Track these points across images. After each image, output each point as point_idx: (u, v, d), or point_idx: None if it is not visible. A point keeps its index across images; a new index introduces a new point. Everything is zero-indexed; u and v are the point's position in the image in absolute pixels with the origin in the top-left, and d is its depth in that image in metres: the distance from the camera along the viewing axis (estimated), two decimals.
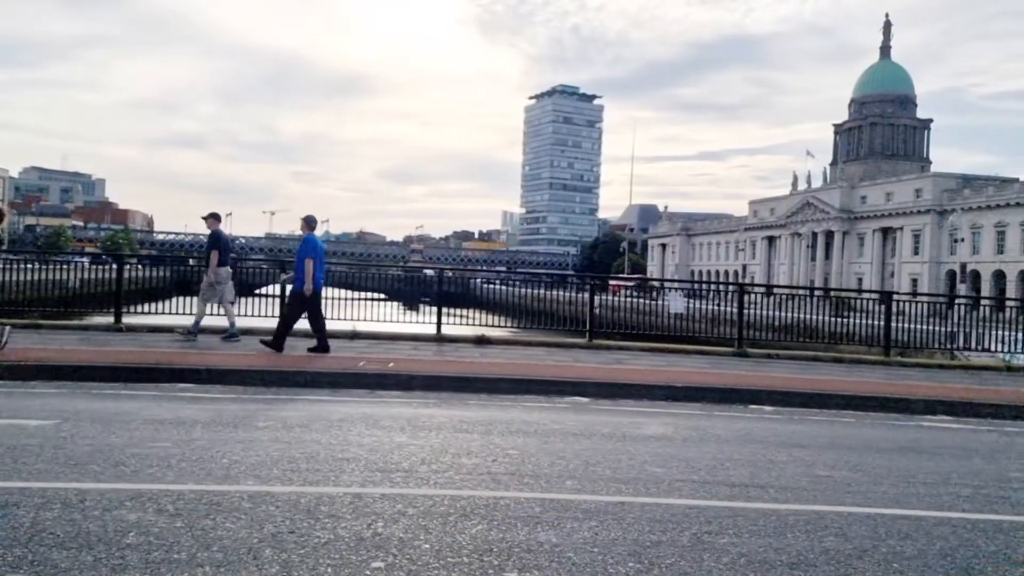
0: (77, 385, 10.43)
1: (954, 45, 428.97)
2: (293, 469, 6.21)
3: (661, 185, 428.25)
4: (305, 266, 13.61)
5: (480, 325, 18.27)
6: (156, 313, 18.25)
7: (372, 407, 9.69)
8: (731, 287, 18.29)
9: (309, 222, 14.47)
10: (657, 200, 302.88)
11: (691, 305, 17.78)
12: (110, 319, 16.06)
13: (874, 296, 23.65)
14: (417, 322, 17.80)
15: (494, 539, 4.66)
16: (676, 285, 22.14)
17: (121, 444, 6.85)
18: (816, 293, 20.89)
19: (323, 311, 14.44)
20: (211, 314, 15.32)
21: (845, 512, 5.64)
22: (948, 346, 20.12)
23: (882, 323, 17.53)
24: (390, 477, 6.11)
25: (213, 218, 15.09)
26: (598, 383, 11.76)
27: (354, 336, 16.22)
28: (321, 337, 13.91)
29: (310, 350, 13.68)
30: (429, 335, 16.79)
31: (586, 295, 17.54)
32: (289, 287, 14.60)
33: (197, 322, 14.86)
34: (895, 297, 17.98)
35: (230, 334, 14.84)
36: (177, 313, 17.00)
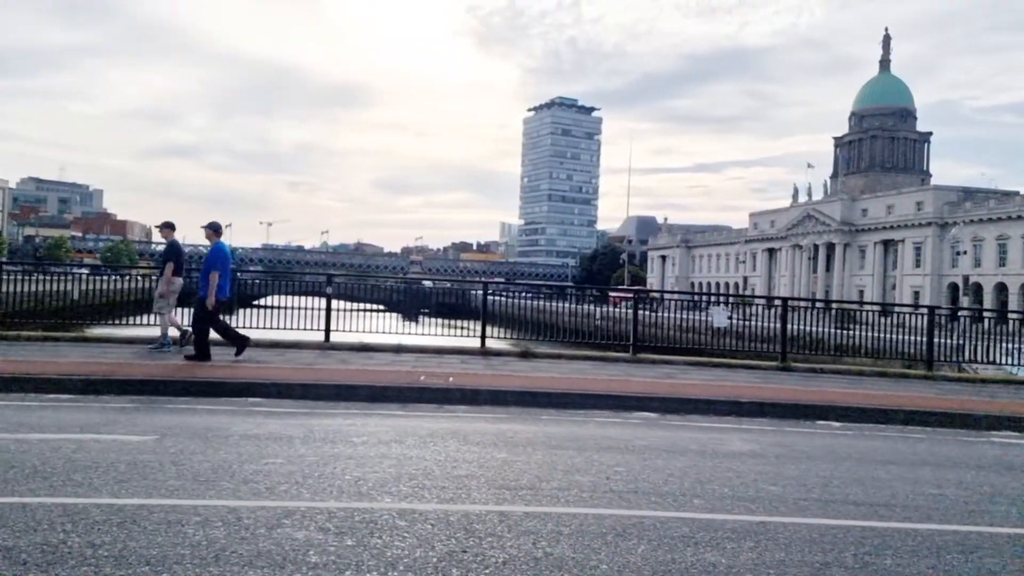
0: (149, 399, 10.44)
1: (948, 58, 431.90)
2: (420, 486, 6.23)
3: (656, 197, 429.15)
4: (210, 279, 13.14)
5: (491, 337, 18.08)
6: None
7: (451, 422, 9.70)
8: (775, 301, 18.29)
9: (215, 228, 13.93)
10: (653, 212, 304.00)
11: (733, 320, 17.81)
12: (157, 332, 16.00)
13: (906, 309, 23.65)
14: (458, 335, 17.80)
15: (664, 560, 4.69)
16: (719, 300, 22.09)
17: (234, 460, 6.86)
18: (857, 307, 20.83)
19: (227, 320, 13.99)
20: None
21: (987, 532, 5.68)
22: (955, 359, 20.12)
23: (922, 338, 17.60)
24: (519, 495, 6.14)
25: (168, 228, 14.81)
26: (662, 398, 11.78)
27: (399, 350, 16.23)
28: (235, 338, 13.62)
29: (187, 357, 13.24)
30: (474, 348, 16.80)
31: (592, 306, 17.54)
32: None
33: (164, 333, 14.56)
34: (937, 311, 18.03)
35: (160, 344, 14.43)
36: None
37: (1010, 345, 19.96)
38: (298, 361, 13.94)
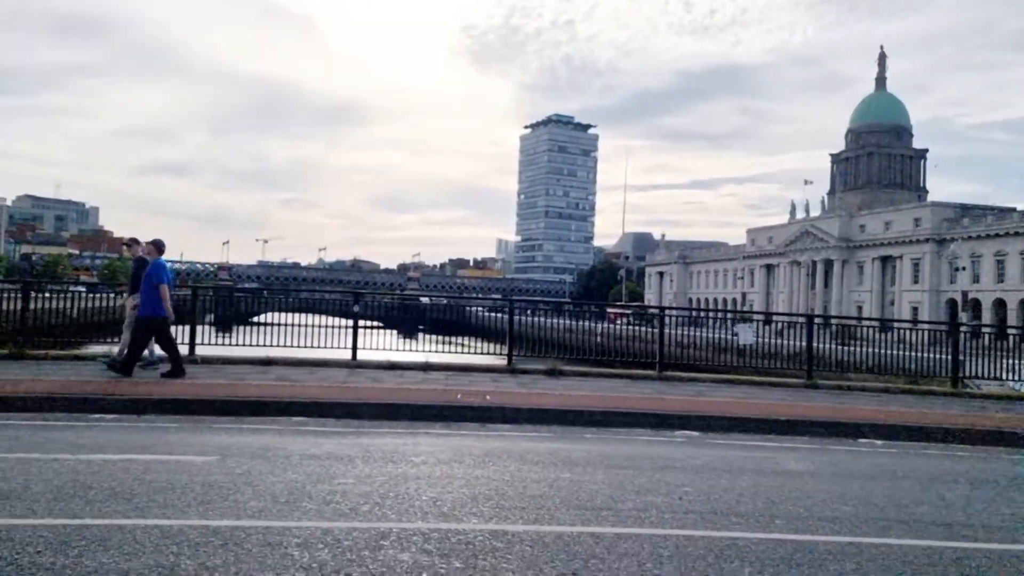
0: (192, 419, 10.43)
1: (939, 76, 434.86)
2: (499, 506, 6.23)
3: (651, 213, 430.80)
4: (162, 291, 13.08)
5: (499, 355, 18.08)
6: (206, 344, 17.85)
7: (499, 441, 9.70)
8: (800, 319, 18.33)
9: (158, 246, 13.84)
10: (648, 228, 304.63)
11: (758, 337, 17.84)
12: (185, 351, 15.97)
13: (929, 326, 23.71)
14: (483, 353, 17.83)
15: None
16: (744, 318, 22.17)
17: (305, 481, 6.85)
18: (872, 323, 20.88)
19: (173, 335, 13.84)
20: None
21: None
22: (959, 375, 20.03)
23: (945, 356, 17.65)
24: (601, 515, 6.14)
25: (136, 244, 14.63)
26: (702, 416, 11.79)
27: (427, 368, 16.22)
28: (175, 359, 13.34)
29: (163, 375, 13.08)
30: (501, 367, 16.80)
31: (600, 324, 17.54)
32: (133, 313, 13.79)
33: (151, 351, 14.23)
34: (962, 329, 18.09)
35: (114, 360, 13.68)
36: (215, 343, 16.80)
37: (1012, 361, 19.96)
38: (332, 380, 13.92)
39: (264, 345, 17.31)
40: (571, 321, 26.71)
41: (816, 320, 17.97)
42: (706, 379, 16.65)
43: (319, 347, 17.08)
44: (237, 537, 5.11)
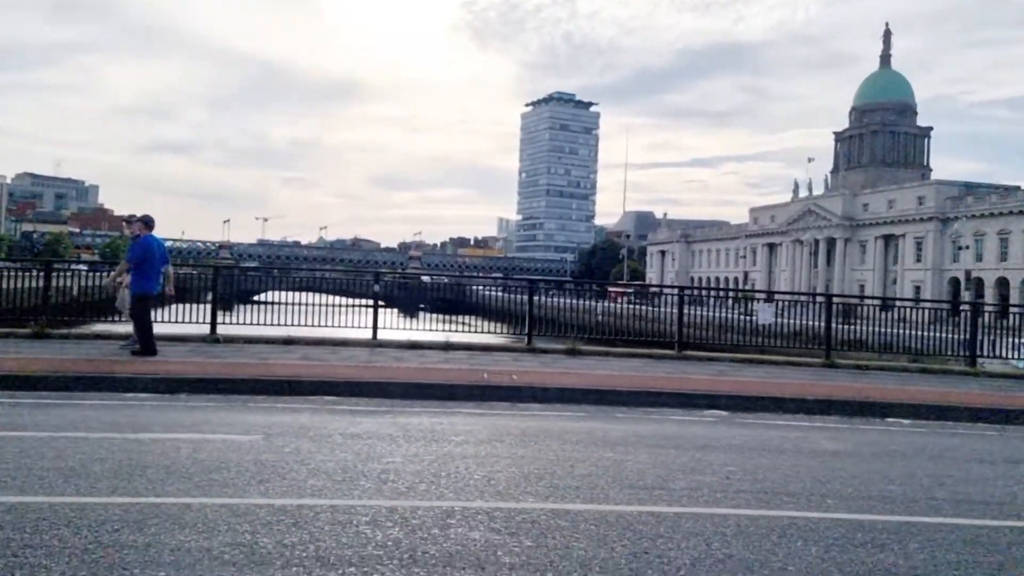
0: (229, 398, 10.47)
1: (943, 53, 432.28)
2: (552, 485, 6.30)
3: (651, 192, 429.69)
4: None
5: (511, 334, 18.16)
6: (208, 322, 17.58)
7: (534, 420, 9.76)
8: (818, 298, 18.36)
9: (147, 222, 13.55)
10: (648, 207, 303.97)
11: (777, 317, 17.88)
12: (206, 330, 16.04)
13: (942, 305, 23.78)
14: (501, 333, 17.88)
15: (843, 561, 4.76)
16: (764, 296, 22.21)
17: (355, 460, 6.91)
18: (899, 304, 20.92)
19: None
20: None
21: None
22: (963, 353, 20.12)
23: (965, 336, 17.72)
24: (655, 495, 6.21)
25: (137, 221, 13.93)
26: (729, 396, 11.86)
27: (448, 347, 16.27)
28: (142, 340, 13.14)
29: (133, 352, 12.95)
30: (520, 346, 16.86)
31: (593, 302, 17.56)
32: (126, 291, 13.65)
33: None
34: (985, 308, 18.11)
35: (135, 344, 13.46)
36: (224, 322, 16.72)
37: (1015, 339, 19.98)
38: (356, 359, 13.98)
39: (275, 324, 17.26)
40: (584, 301, 26.70)
41: (835, 300, 17.97)
42: (725, 359, 16.70)
43: (338, 326, 17.15)
44: (305, 515, 5.17)
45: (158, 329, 15.71)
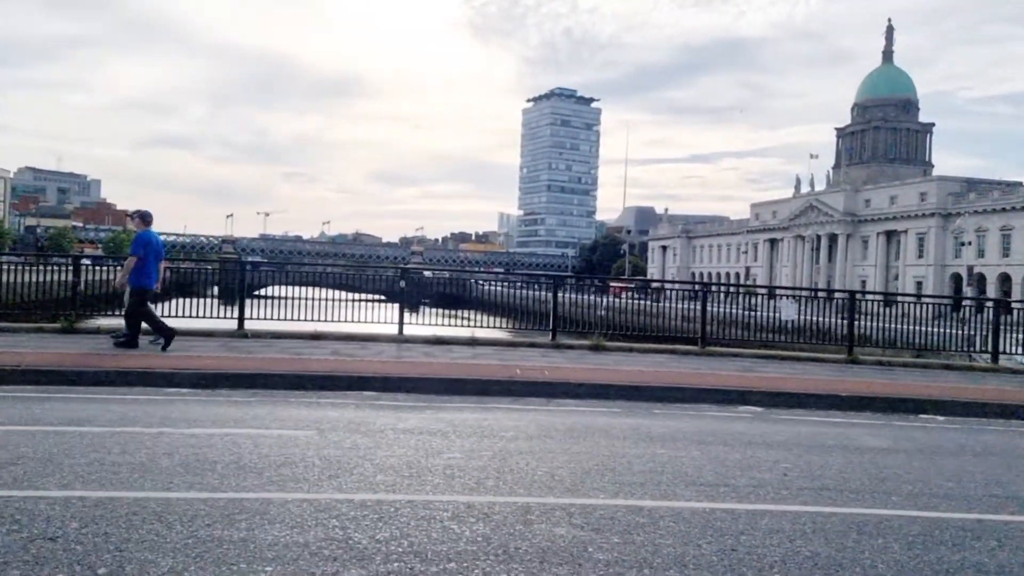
0: (268, 393, 10.51)
1: (943, 49, 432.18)
2: (618, 482, 6.35)
3: (651, 187, 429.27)
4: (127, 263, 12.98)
5: (486, 327, 18.22)
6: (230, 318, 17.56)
7: (575, 416, 9.81)
8: (839, 295, 18.41)
9: (143, 217, 13.53)
10: (648, 202, 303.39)
11: (801, 312, 17.94)
12: (234, 325, 16.09)
13: (971, 302, 23.83)
14: (522, 329, 17.93)
15: (931, 560, 4.81)
16: (787, 293, 22.26)
17: (415, 455, 6.97)
18: (925, 301, 20.93)
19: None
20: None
21: None
22: (965, 349, 20.19)
23: (986, 333, 17.79)
24: (721, 492, 6.26)
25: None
26: (762, 392, 11.91)
27: (473, 342, 16.33)
28: (134, 335, 13.19)
29: (116, 344, 13.04)
30: (545, 342, 16.90)
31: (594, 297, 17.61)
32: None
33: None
34: (1014, 306, 18.16)
35: (156, 339, 13.52)
36: (249, 317, 16.62)
37: (1018, 335, 20.01)
38: (386, 354, 14.04)
39: (303, 321, 17.29)
40: (609, 298, 26.80)
41: (856, 295, 18.02)
42: (748, 355, 16.77)
43: (361, 321, 17.20)
44: (387, 511, 5.22)
45: (186, 324, 15.82)
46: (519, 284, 22.45)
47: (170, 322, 15.58)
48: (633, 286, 53.69)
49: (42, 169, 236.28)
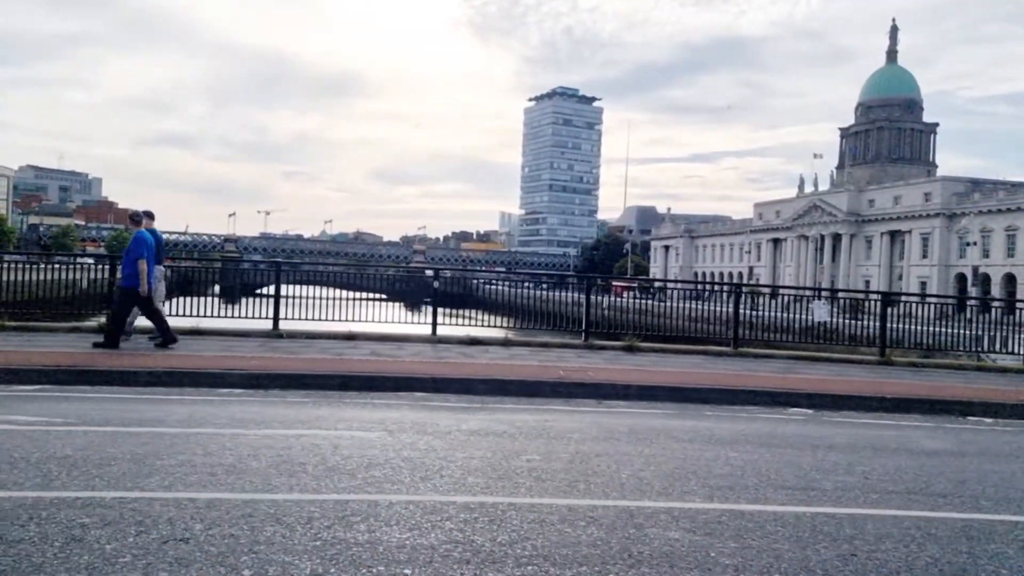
0: (321, 394, 10.52)
1: (943, 49, 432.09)
2: (708, 485, 6.36)
3: (651, 187, 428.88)
4: (139, 267, 12.74)
5: (495, 327, 18.30)
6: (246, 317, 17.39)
7: (631, 418, 9.84)
8: (873, 296, 18.43)
9: (133, 218, 13.54)
10: (648, 201, 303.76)
11: (834, 313, 17.96)
12: (267, 326, 16.11)
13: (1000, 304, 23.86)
14: (555, 330, 17.94)
15: None
16: (823, 295, 22.27)
17: (495, 457, 6.97)
18: (970, 304, 20.95)
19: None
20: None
21: None
22: (974, 349, 20.20)
23: (1005, 333, 17.80)
24: (810, 495, 6.28)
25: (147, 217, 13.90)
26: (809, 394, 11.92)
27: (507, 343, 16.35)
28: (164, 330, 13.23)
29: (157, 345, 13.10)
30: (578, 343, 16.92)
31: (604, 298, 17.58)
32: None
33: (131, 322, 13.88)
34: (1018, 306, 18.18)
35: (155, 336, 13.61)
36: (259, 317, 16.67)
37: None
38: (424, 355, 14.05)
39: (329, 321, 17.29)
40: (643, 300, 26.79)
41: (892, 297, 18.04)
42: (782, 356, 16.78)
43: (390, 321, 17.24)
44: (494, 513, 5.23)
45: (222, 324, 15.83)
46: (505, 283, 22.40)
47: (203, 323, 15.66)
48: (635, 285, 53.78)
49: (43, 167, 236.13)
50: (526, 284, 30.85)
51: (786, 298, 22.80)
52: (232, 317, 17.12)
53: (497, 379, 11.70)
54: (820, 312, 17.65)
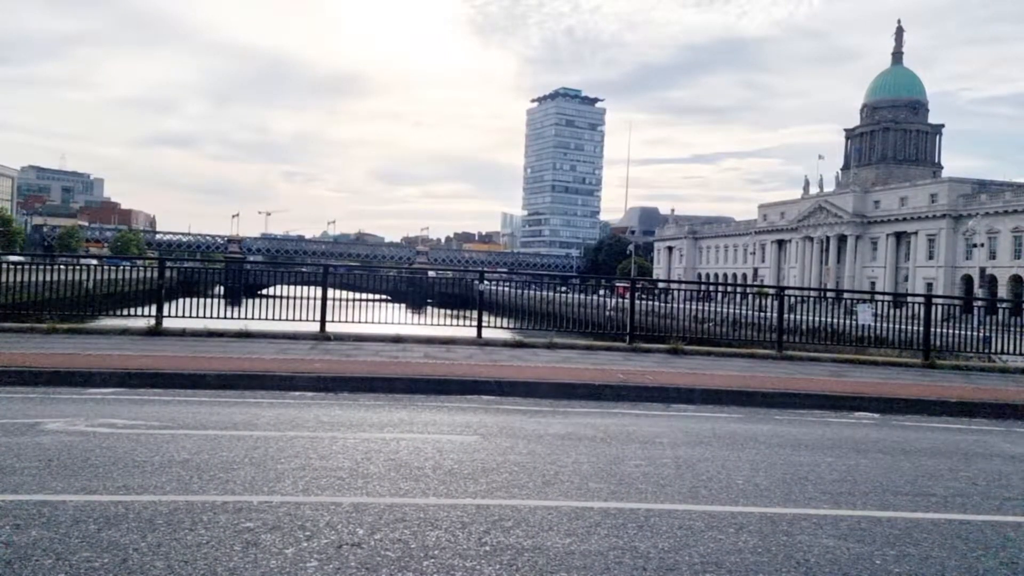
0: (390, 397, 10.52)
1: (945, 50, 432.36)
2: (822, 490, 6.36)
3: (652, 187, 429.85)
4: None
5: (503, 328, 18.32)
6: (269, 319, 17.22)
7: (706, 423, 9.80)
8: (915, 299, 18.40)
9: None
10: (650, 202, 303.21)
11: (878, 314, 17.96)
12: (315, 327, 16.09)
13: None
14: (602, 333, 17.92)
15: None
16: (867, 298, 22.26)
17: (599, 461, 6.96)
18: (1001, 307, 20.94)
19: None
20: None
21: None
22: (984, 350, 20.20)
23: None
24: (929, 501, 6.27)
25: None
26: (872, 398, 11.90)
27: (553, 346, 16.32)
28: None
29: None
30: (622, 346, 16.91)
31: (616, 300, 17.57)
32: None
33: None
34: None
35: None
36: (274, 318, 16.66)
37: None
38: (477, 358, 14.03)
39: (366, 323, 17.27)
40: (685, 304, 26.67)
41: (935, 300, 18.01)
42: (827, 359, 16.77)
43: (440, 324, 17.30)
44: (637, 518, 5.21)
45: (267, 327, 15.80)
46: (507, 284, 22.41)
47: (251, 325, 15.65)
48: (650, 287, 53.67)
49: (45, 168, 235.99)
50: (561, 288, 30.84)
51: (827, 301, 22.72)
52: (276, 320, 16.96)
53: (562, 382, 11.68)
54: (864, 315, 17.62)
